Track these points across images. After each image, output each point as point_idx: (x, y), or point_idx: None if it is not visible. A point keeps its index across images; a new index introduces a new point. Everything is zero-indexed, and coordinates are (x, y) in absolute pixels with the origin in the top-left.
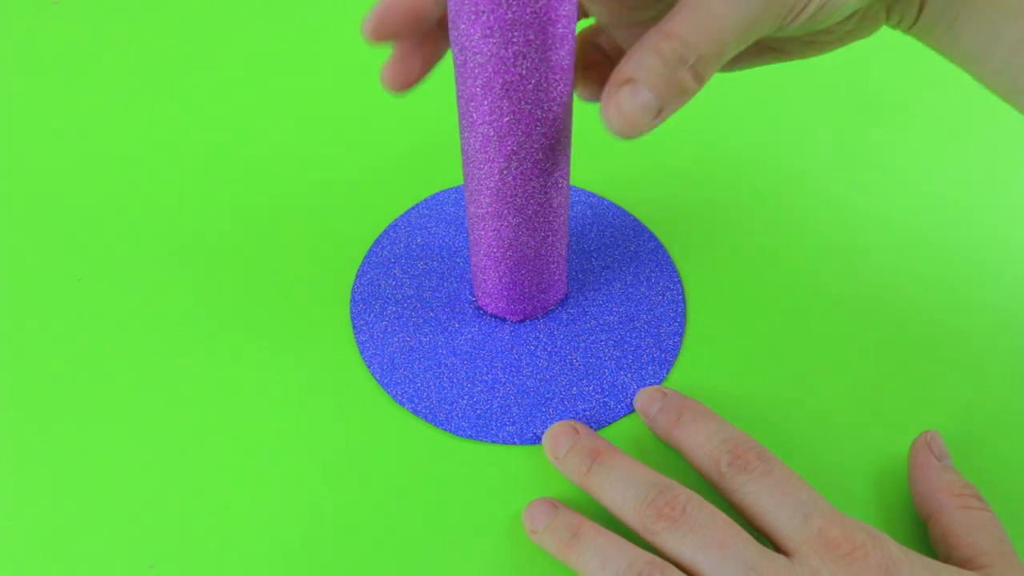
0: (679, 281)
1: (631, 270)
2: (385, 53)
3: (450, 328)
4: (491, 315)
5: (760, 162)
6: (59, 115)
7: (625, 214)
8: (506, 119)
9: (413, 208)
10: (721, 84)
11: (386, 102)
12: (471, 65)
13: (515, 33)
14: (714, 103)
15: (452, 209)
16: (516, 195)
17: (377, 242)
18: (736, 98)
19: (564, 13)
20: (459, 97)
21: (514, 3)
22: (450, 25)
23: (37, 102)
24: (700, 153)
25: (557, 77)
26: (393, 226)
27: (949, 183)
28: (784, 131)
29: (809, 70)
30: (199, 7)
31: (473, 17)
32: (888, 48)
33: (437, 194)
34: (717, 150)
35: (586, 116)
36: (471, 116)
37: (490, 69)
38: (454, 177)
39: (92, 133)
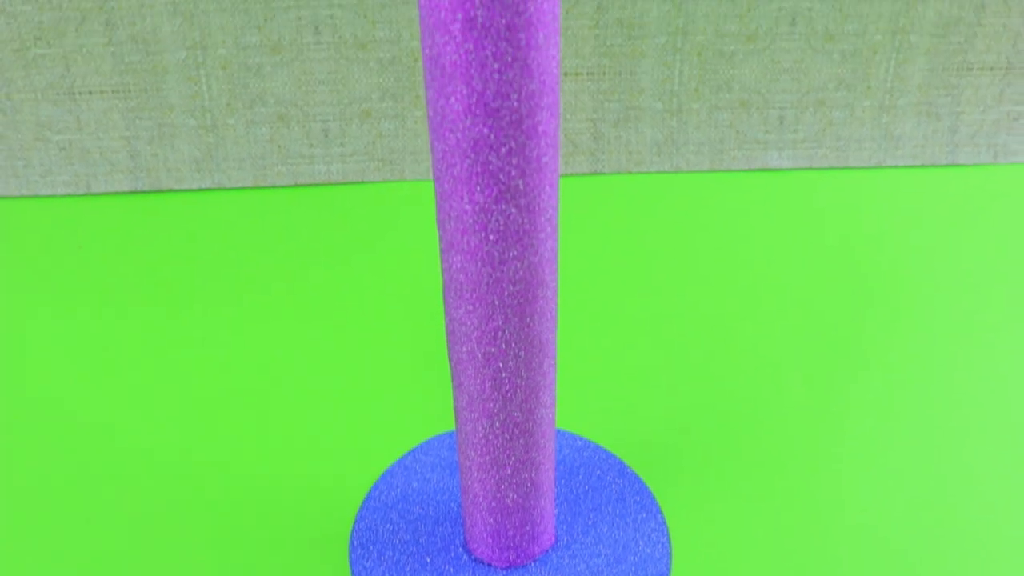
0: (664, 523)
1: (618, 513)
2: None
3: (445, 574)
4: (483, 561)
5: (747, 410)
6: (62, 360)
7: (610, 456)
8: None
9: (410, 453)
10: (711, 333)
11: (386, 349)
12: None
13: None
14: (701, 350)
15: (447, 454)
16: (501, 450)
17: (375, 486)
18: (724, 346)
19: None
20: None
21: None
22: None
23: (44, 345)
24: (688, 398)
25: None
26: (390, 471)
27: (963, 438)
28: (773, 379)
29: (803, 322)
30: (210, 259)
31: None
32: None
33: (432, 439)
34: (704, 394)
35: (571, 357)
36: (459, 380)
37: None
38: (448, 421)
39: (91, 380)
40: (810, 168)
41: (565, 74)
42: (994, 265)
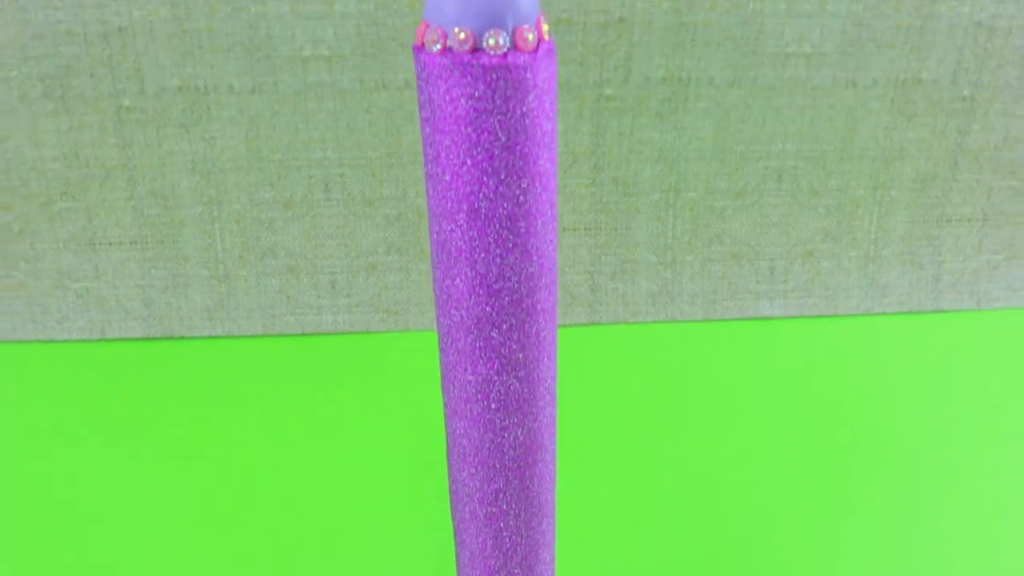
0: None
1: None
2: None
3: None
4: None
5: (744, 560)
6: (73, 503)
7: None
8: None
9: None
10: (706, 482)
11: (390, 499)
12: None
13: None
14: (697, 501)
15: None
16: None
17: None
18: (720, 496)
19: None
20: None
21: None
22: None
23: (56, 488)
24: (684, 549)
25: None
26: None
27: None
28: (768, 528)
29: (797, 469)
30: (219, 405)
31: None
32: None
33: None
34: (700, 545)
35: (569, 506)
36: (461, 537)
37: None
38: (451, 573)
39: (100, 523)
40: (800, 316)
41: (564, 229)
42: (980, 409)
